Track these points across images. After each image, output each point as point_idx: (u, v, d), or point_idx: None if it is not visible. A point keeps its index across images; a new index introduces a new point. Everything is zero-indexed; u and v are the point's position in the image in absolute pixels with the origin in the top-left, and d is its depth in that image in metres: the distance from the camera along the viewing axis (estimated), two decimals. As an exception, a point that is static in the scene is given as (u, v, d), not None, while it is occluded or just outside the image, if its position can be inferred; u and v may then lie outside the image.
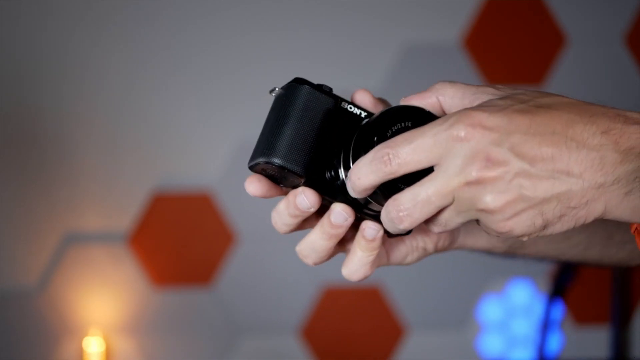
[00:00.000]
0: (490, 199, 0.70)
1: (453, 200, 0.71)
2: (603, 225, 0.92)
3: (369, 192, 0.74)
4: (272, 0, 2.29)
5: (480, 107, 0.71)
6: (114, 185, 2.25)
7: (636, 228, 0.73)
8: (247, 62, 2.29)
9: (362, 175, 0.73)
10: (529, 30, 2.39)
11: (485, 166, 0.70)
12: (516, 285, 2.37)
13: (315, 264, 0.82)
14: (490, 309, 2.37)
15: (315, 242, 0.80)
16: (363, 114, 0.79)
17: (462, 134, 0.69)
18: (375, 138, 0.74)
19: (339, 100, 0.79)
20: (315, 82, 0.83)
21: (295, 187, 0.79)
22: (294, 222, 0.80)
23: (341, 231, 0.79)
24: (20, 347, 2.22)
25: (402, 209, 0.72)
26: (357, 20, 2.31)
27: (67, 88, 2.23)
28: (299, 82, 0.81)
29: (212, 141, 2.28)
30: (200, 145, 2.28)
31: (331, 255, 0.82)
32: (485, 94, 0.74)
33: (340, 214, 0.78)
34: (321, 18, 2.31)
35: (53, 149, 2.23)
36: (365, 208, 0.79)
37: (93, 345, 2.19)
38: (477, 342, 2.36)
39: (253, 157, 0.80)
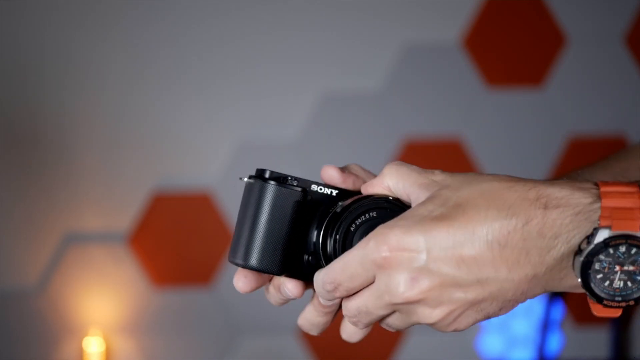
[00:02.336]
0: (426, 314, 0.72)
1: (394, 311, 0.74)
2: None
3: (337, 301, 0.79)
4: (272, 1, 2.29)
5: (397, 225, 0.72)
6: (114, 185, 2.25)
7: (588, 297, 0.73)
8: (247, 63, 2.29)
9: (318, 293, 0.78)
10: (529, 30, 2.39)
11: (412, 287, 0.71)
12: (516, 285, 2.37)
13: (320, 334, 0.85)
14: (490, 309, 2.37)
15: (313, 319, 0.83)
16: (334, 192, 0.83)
17: (383, 261, 0.72)
18: (342, 232, 0.79)
19: (307, 185, 0.82)
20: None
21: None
22: (284, 301, 0.85)
23: (334, 307, 0.81)
24: (20, 347, 2.22)
25: (351, 316, 0.76)
26: (357, 20, 2.31)
27: (68, 89, 2.23)
28: (264, 177, 0.83)
29: (212, 141, 2.28)
30: (200, 145, 2.28)
31: (332, 321, 0.85)
32: (421, 189, 0.75)
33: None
34: (321, 18, 2.31)
35: (53, 149, 2.23)
36: None
37: (93, 345, 2.19)
38: (477, 342, 2.36)
39: (232, 254, 0.84)
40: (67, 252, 2.23)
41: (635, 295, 0.71)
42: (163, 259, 2.27)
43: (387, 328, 0.77)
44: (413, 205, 0.76)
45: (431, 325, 0.74)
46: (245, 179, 0.83)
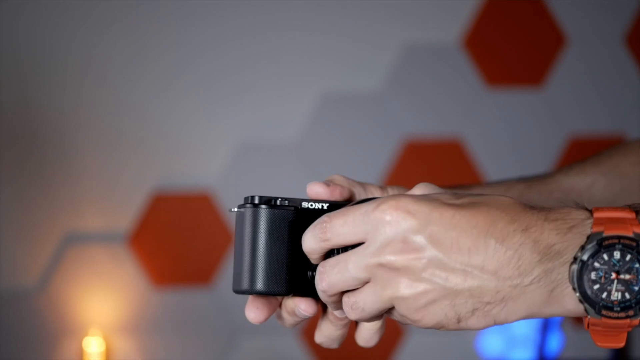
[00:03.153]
0: (402, 285, 0.73)
1: (370, 279, 0.74)
2: None
3: (315, 258, 0.79)
4: (272, 0, 2.29)
5: (411, 195, 0.74)
6: (114, 185, 2.25)
7: (588, 323, 0.74)
8: (247, 63, 2.29)
9: (305, 241, 0.79)
10: (529, 30, 2.39)
11: (401, 250, 0.72)
12: (516, 285, 2.37)
13: (340, 345, 0.88)
14: (490, 309, 2.37)
15: (331, 335, 0.86)
16: (324, 206, 0.84)
17: (386, 216, 0.73)
18: None
19: (297, 204, 0.84)
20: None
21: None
22: (298, 322, 0.86)
23: (348, 320, 0.83)
24: (20, 347, 2.22)
25: (322, 271, 0.77)
26: (357, 20, 2.31)
27: (68, 88, 2.23)
28: (254, 203, 0.83)
29: (212, 141, 2.28)
30: (200, 145, 2.28)
31: (347, 332, 0.87)
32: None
33: (342, 310, 0.82)
34: (321, 18, 2.31)
35: (53, 149, 2.23)
36: None
37: (93, 345, 2.19)
38: (477, 342, 2.36)
39: (237, 284, 0.84)
40: (67, 252, 2.23)
41: (634, 306, 0.71)
42: (163, 259, 2.27)
43: (350, 307, 0.77)
44: None
45: (402, 300, 0.73)
46: (235, 209, 0.84)
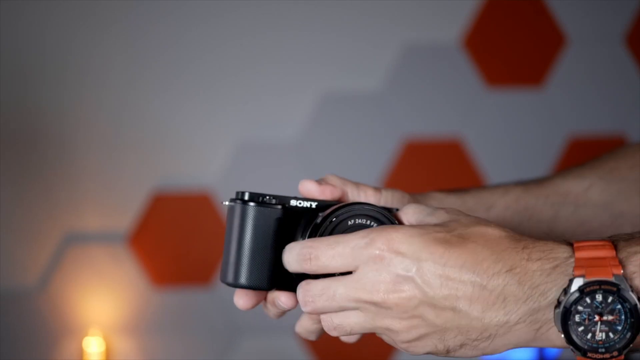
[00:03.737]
0: (392, 322, 0.75)
1: (358, 308, 0.76)
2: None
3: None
4: (272, 0, 2.29)
5: (402, 229, 0.75)
6: (114, 185, 2.25)
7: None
8: (247, 63, 2.29)
9: (287, 261, 0.80)
10: (529, 30, 2.39)
11: (392, 290, 0.74)
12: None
13: (318, 338, 0.89)
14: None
15: (308, 327, 0.88)
16: (313, 204, 0.85)
17: (377, 253, 0.74)
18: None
19: (286, 202, 0.85)
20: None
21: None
22: (281, 313, 0.90)
23: None
24: (20, 347, 2.22)
25: (309, 295, 0.78)
26: (357, 20, 2.31)
27: (68, 88, 2.23)
28: (243, 199, 0.86)
29: (212, 141, 2.28)
30: (200, 145, 2.28)
31: None
32: (432, 215, 0.78)
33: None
34: (321, 18, 2.31)
35: (53, 149, 2.23)
36: None
37: (93, 345, 2.19)
38: (477, 342, 2.36)
39: (223, 275, 0.87)
40: (67, 252, 2.23)
41: (618, 346, 0.72)
42: (163, 259, 2.27)
43: (333, 328, 0.78)
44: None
45: (392, 333, 0.75)
46: (226, 203, 0.87)
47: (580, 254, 0.73)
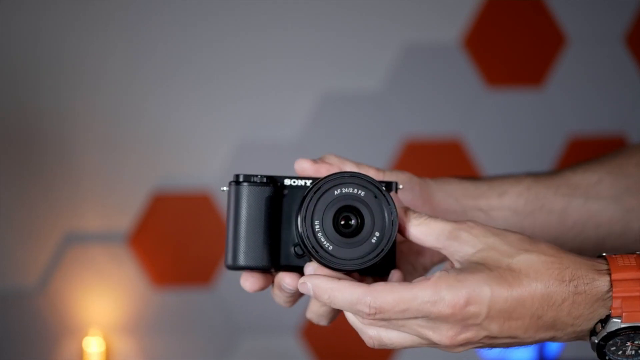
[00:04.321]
0: (449, 348, 0.79)
1: (415, 334, 0.79)
2: (595, 232, 0.96)
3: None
4: (272, 0, 2.29)
5: (467, 285, 0.77)
6: (114, 185, 2.25)
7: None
8: (247, 62, 2.29)
9: (336, 303, 0.79)
10: (529, 30, 2.39)
11: (458, 336, 0.77)
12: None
13: (330, 323, 0.89)
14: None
15: (318, 310, 0.88)
16: (307, 182, 0.87)
17: (449, 313, 0.77)
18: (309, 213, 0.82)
19: (280, 180, 0.87)
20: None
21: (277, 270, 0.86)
22: (290, 299, 0.88)
23: None
24: (20, 347, 2.22)
25: (371, 337, 0.80)
26: (357, 20, 2.31)
27: (67, 88, 2.23)
28: (237, 181, 0.86)
29: (212, 141, 2.28)
30: (200, 145, 2.28)
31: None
32: (459, 242, 0.80)
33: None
34: (321, 18, 2.31)
35: (53, 149, 2.23)
36: None
37: (93, 345, 2.19)
38: (477, 342, 2.36)
39: (225, 259, 0.87)
40: (67, 252, 2.23)
41: None
42: (163, 259, 2.27)
43: (379, 344, 0.80)
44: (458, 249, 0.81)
45: (441, 348, 0.80)
46: (224, 189, 0.87)
47: (617, 292, 0.78)
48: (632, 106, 2.43)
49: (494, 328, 0.78)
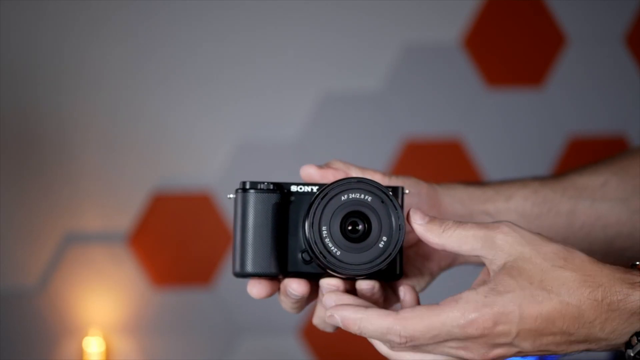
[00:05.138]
0: None
1: (446, 355, 0.80)
2: (604, 233, 0.96)
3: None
4: (272, 0, 2.29)
5: (496, 306, 0.77)
6: (114, 185, 2.24)
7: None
8: (247, 62, 2.29)
9: (366, 334, 0.81)
10: (529, 30, 2.39)
11: (489, 351, 0.78)
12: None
13: (335, 330, 0.88)
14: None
15: (324, 317, 0.86)
16: (314, 188, 0.85)
17: (477, 333, 0.77)
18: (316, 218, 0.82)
19: (286, 187, 0.85)
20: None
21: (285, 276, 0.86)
22: (297, 305, 0.88)
23: None
24: (20, 347, 2.22)
25: (407, 343, 0.78)
26: (357, 20, 2.31)
27: (67, 88, 2.23)
28: (244, 188, 0.87)
29: (212, 141, 2.28)
30: (200, 145, 2.28)
31: None
32: (491, 249, 0.80)
33: (328, 288, 0.85)
34: (321, 17, 2.31)
35: (53, 150, 2.23)
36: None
37: (93, 345, 2.19)
38: (477, 342, 2.36)
39: (233, 267, 0.87)
40: (67, 252, 2.23)
41: None
42: (163, 259, 2.27)
43: None
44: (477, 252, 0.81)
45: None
46: (231, 196, 0.88)
47: None
48: (632, 106, 2.43)
49: (525, 346, 0.78)
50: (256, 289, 0.87)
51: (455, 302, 0.77)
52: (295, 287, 0.85)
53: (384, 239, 0.81)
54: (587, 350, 0.80)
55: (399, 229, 0.81)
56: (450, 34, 2.35)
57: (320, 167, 0.88)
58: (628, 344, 0.79)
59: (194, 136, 2.28)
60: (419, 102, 2.35)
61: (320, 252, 0.81)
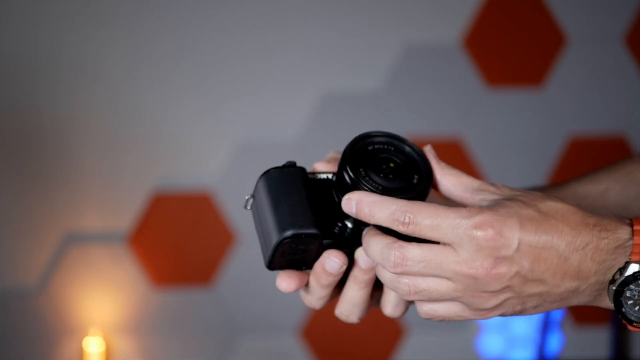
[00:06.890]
0: (482, 293, 0.81)
1: (451, 279, 0.81)
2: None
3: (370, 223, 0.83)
4: (272, 0, 2.29)
5: (500, 213, 0.81)
6: (114, 185, 2.25)
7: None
8: (247, 62, 2.29)
9: (376, 216, 0.82)
10: (529, 30, 2.39)
11: (493, 267, 0.80)
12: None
13: (360, 319, 0.88)
14: (490, 309, 2.36)
15: (354, 298, 0.87)
16: (330, 176, 0.88)
17: (480, 235, 0.79)
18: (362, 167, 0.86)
19: (305, 171, 0.86)
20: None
21: (317, 256, 0.85)
22: (327, 292, 0.87)
23: (373, 274, 0.85)
24: (20, 347, 2.22)
25: (404, 259, 0.81)
26: (357, 20, 2.31)
27: (67, 88, 2.23)
28: (264, 173, 0.86)
29: (212, 141, 2.29)
30: (200, 145, 2.28)
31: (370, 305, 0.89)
32: (487, 192, 0.84)
33: (367, 259, 0.85)
34: (321, 18, 2.31)
35: (53, 149, 2.23)
36: None
37: (93, 345, 2.19)
38: (477, 342, 2.36)
39: (265, 254, 0.85)
40: (67, 252, 2.23)
41: None
42: (163, 259, 2.27)
43: (415, 292, 0.82)
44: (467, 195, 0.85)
45: (469, 304, 0.81)
46: (247, 197, 0.86)
47: (638, 240, 0.81)
48: (632, 106, 2.43)
49: (525, 264, 0.80)
50: (285, 282, 0.87)
51: (462, 207, 0.82)
52: (337, 254, 0.85)
53: (416, 176, 0.86)
54: (577, 290, 0.82)
55: (427, 166, 0.86)
56: (451, 34, 2.35)
57: (329, 162, 0.91)
58: (611, 282, 0.82)
59: (193, 136, 2.28)
60: (419, 102, 2.35)
61: (367, 185, 0.83)
